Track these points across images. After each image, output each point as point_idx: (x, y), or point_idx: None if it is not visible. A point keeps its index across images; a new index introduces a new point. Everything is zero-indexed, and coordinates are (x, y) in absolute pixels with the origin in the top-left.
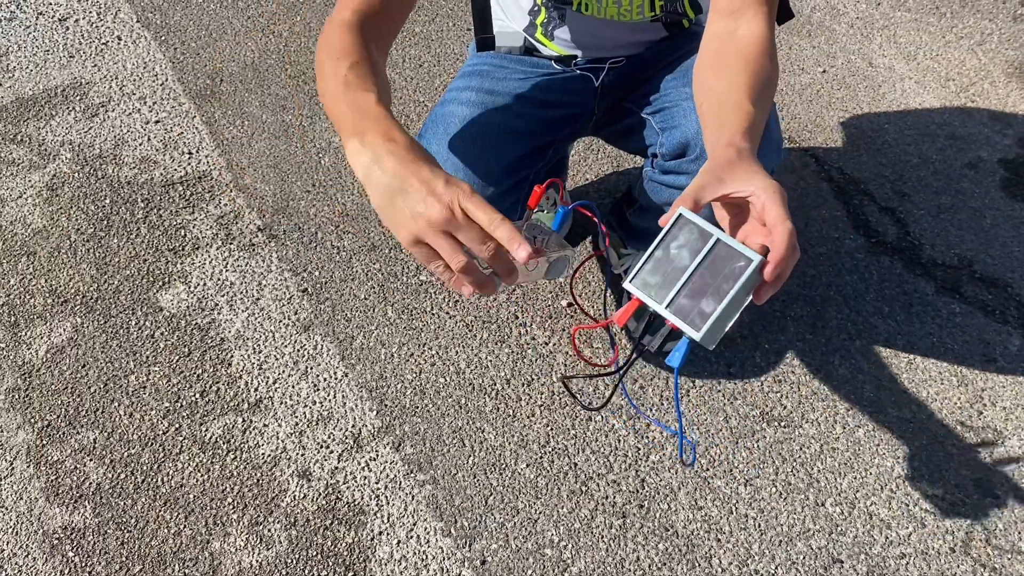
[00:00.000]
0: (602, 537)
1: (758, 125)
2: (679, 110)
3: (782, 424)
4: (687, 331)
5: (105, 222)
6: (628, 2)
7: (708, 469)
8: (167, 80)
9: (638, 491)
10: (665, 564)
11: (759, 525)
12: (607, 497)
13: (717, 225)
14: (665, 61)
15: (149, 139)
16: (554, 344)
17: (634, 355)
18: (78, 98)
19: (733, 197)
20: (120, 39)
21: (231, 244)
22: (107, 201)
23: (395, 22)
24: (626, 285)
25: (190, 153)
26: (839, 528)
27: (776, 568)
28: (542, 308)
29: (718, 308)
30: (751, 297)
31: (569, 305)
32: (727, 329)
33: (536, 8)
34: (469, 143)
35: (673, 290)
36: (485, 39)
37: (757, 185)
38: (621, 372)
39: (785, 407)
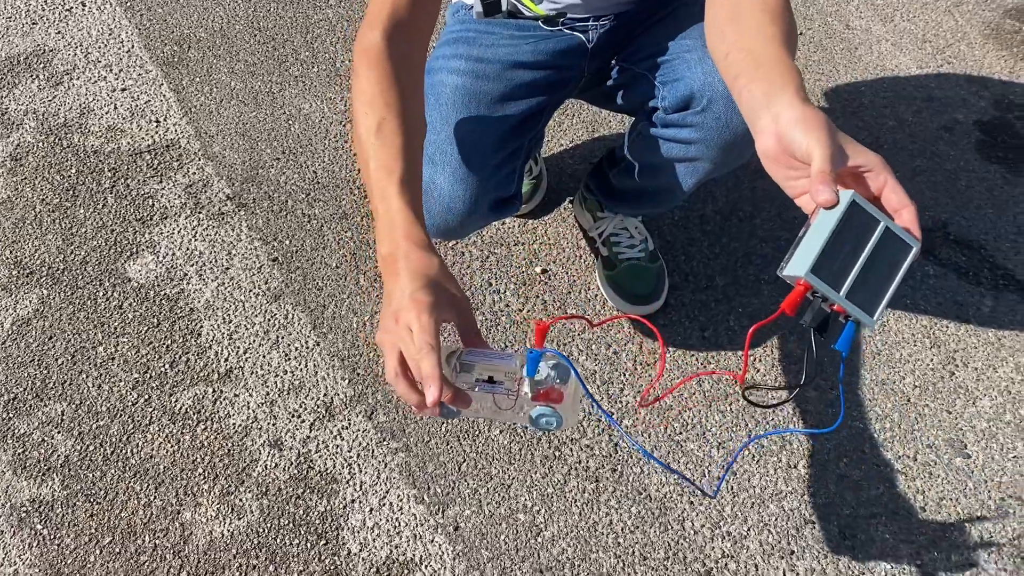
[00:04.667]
0: (575, 501)
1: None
2: (681, 62)
3: (755, 387)
4: (862, 319)
5: (71, 192)
6: None
7: (681, 432)
8: (133, 47)
9: (611, 455)
10: (638, 527)
11: (731, 487)
12: (580, 462)
13: (883, 211)
14: (656, 16)
15: (115, 107)
16: (528, 311)
17: (814, 352)
18: (42, 66)
19: (858, 170)
20: (84, 5)
21: (200, 213)
22: (73, 171)
23: (426, 30)
24: (804, 275)
25: (157, 121)
26: (811, 489)
27: (748, 530)
28: (516, 275)
29: (887, 294)
30: None
31: (543, 272)
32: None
33: None
34: (462, 113)
35: (849, 278)
36: (491, 3)
37: (873, 161)
38: (806, 381)
39: (758, 370)
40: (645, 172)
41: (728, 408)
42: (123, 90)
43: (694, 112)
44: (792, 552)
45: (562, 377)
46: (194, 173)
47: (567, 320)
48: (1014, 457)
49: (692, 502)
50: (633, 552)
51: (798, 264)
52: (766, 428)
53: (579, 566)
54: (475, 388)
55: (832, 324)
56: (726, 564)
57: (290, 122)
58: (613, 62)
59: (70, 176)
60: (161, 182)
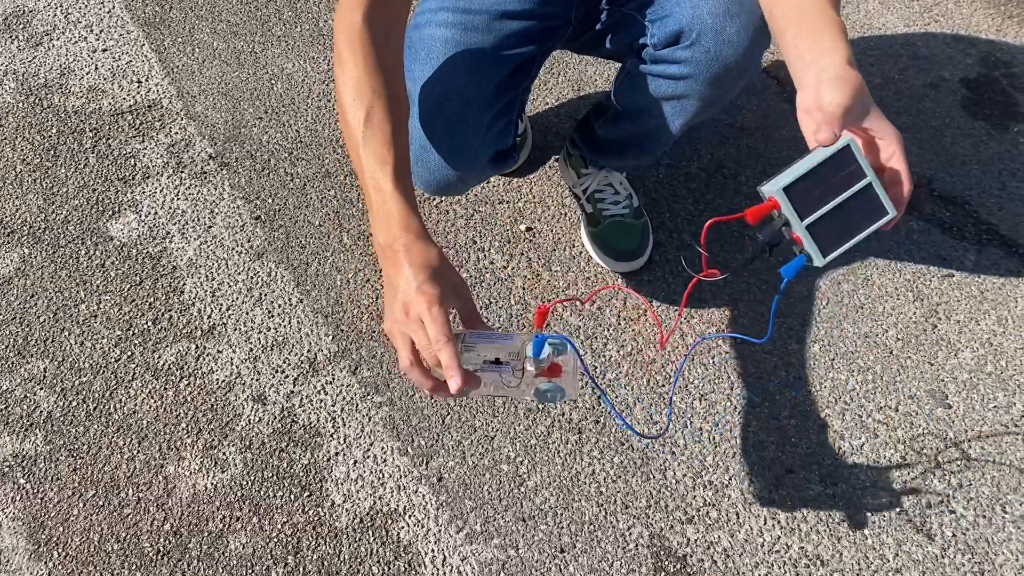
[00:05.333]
0: (558, 452)
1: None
2: (669, 0)
3: (738, 341)
4: (813, 255)
5: (52, 152)
6: None
7: (664, 385)
8: (114, 7)
9: (594, 408)
10: (620, 477)
11: (713, 438)
12: (563, 414)
13: (880, 176)
14: None
15: (96, 68)
16: (512, 268)
17: (755, 257)
18: (21, 27)
19: (868, 132)
20: None
21: (182, 172)
22: (54, 131)
23: (404, 9)
24: (775, 192)
25: (139, 82)
26: (792, 440)
27: (730, 479)
28: (500, 233)
29: (847, 243)
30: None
31: (528, 230)
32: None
33: None
34: (456, 68)
35: (817, 213)
36: None
37: (891, 133)
38: (739, 268)
39: (741, 324)
40: (632, 117)
41: (710, 361)
42: (104, 51)
43: (683, 47)
44: (773, 501)
45: (559, 350)
46: (176, 133)
47: (563, 303)
48: (994, 407)
49: (674, 452)
50: (615, 501)
51: (775, 182)
52: (736, 365)
53: (562, 514)
54: (483, 370)
55: (785, 250)
56: (707, 512)
57: (273, 81)
58: (602, 5)
59: (51, 136)
60: (143, 142)
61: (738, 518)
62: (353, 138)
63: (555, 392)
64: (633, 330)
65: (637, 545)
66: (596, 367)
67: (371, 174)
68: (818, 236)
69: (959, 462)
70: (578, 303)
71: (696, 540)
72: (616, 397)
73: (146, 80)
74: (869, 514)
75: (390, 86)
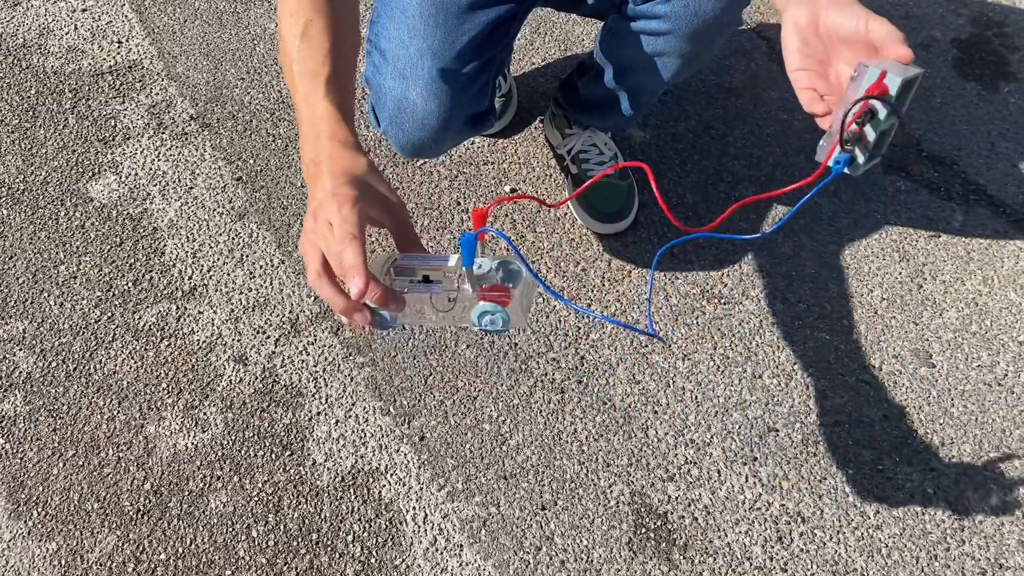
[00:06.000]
0: (540, 412)
1: None
2: None
3: (722, 301)
4: (859, 161)
5: (31, 113)
6: None
7: (647, 345)
8: None
9: (577, 368)
10: (602, 435)
11: (696, 397)
12: (546, 374)
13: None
14: None
15: (76, 28)
16: (496, 229)
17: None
18: None
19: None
20: None
21: (163, 133)
22: (32, 92)
23: None
24: (902, 79)
25: (119, 42)
26: (775, 399)
27: (712, 437)
28: (484, 194)
29: (875, 159)
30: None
31: (512, 191)
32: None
33: None
34: (431, 25)
35: (887, 123)
36: None
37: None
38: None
39: (726, 285)
40: (615, 74)
41: (694, 321)
42: (83, 10)
43: (662, 1)
44: (755, 459)
45: (510, 277)
46: (157, 94)
47: (511, 200)
48: (978, 366)
49: (656, 411)
50: (597, 459)
51: (896, 69)
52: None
53: (543, 472)
54: (407, 290)
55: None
56: (689, 471)
57: (255, 42)
58: None
59: (29, 97)
60: (123, 103)
61: (719, 476)
62: (288, 55)
63: (495, 317)
64: (617, 291)
65: (618, 503)
66: (581, 327)
67: (302, 87)
68: (878, 139)
69: (941, 420)
70: (542, 203)
71: (677, 497)
72: (599, 357)
73: (126, 40)
74: (851, 472)
75: (336, 11)
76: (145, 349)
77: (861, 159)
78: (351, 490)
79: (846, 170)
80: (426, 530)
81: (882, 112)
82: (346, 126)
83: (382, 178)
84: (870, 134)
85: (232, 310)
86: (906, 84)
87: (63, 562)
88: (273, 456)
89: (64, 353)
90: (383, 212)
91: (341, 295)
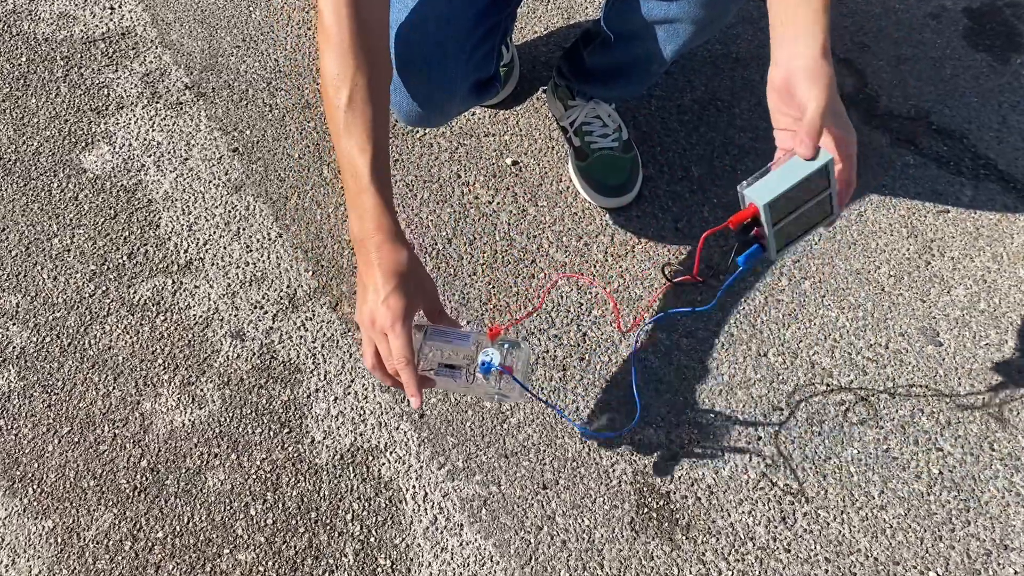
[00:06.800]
0: (542, 389)
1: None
2: None
3: (726, 277)
4: (770, 252)
5: (22, 81)
6: None
7: (650, 323)
8: None
9: (579, 344)
10: (604, 414)
11: (699, 375)
12: (548, 351)
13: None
14: None
15: None
16: (498, 203)
17: (734, 251)
18: None
19: (834, 133)
20: None
21: (157, 103)
22: (23, 59)
23: None
24: (762, 205)
25: (112, 8)
26: (780, 377)
27: (715, 416)
28: (485, 167)
29: (796, 242)
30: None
31: (514, 164)
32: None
33: None
34: None
35: (785, 221)
36: None
37: (852, 135)
38: (713, 274)
39: (731, 260)
40: (622, 43)
41: (697, 300)
42: None
43: None
44: (759, 438)
45: (511, 351)
46: (151, 62)
47: (519, 322)
48: (986, 345)
49: (658, 390)
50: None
51: (762, 193)
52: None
53: (544, 451)
54: (438, 373)
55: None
56: (692, 450)
57: (251, 9)
58: None
59: (20, 65)
60: (116, 71)
61: (723, 455)
62: (335, 118)
63: (503, 398)
64: (620, 267)
65: (620, 482)
66: (582, 303)
67: (349, 160)
68: (779, 236)
69: (948, 400)
70: (535, 313)
71: (680, 477)
72: (602, 334)
73: (119, 6)
74: (856, 451)
75: (374, 57)
76: (140, 324)
77: (774, 253)
78: (350, 468)
79: (768, 257)
80: (426, 509)
81: (764, 219)
82: (390, 215)
83: (420, 264)
84: (768, 234)
85: (229, 284)
86: (774, 203)
87: (59, 540)
88: (271, 433)
89: (58, 328)
90: (421, 300)
91: (389, 378)
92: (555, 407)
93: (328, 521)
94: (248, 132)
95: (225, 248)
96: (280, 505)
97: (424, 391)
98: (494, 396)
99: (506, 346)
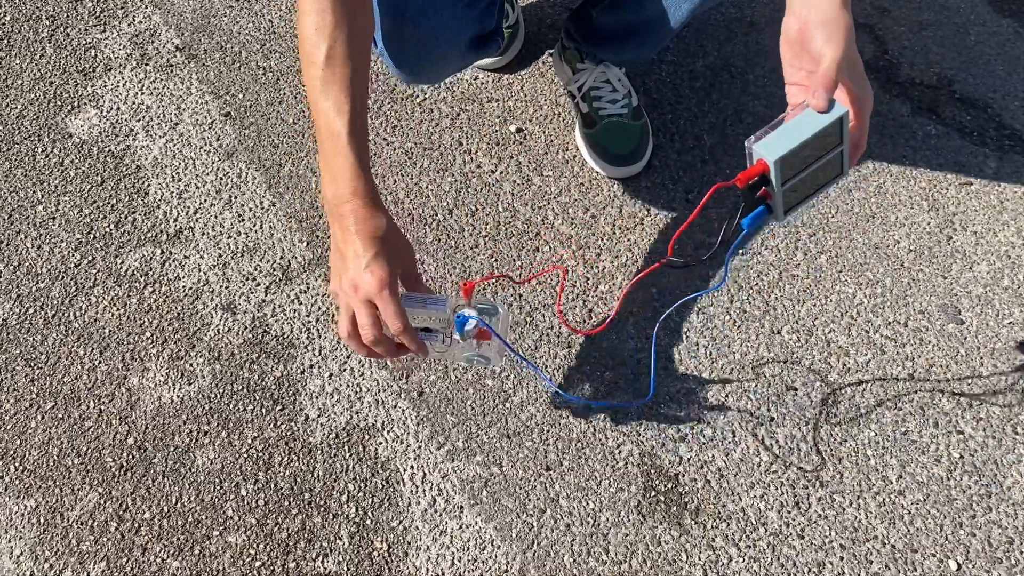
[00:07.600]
0: (546, 367)
1: None
2: None
3: (739, 251)
4: (776, 213)
5: (5, 41)
6: None
7: (659, 299)
8: None
9: (586, 321)
10: (611, 392)
11: (710, 354)
12: (552, 328)
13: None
14: None
15: None
16: (501, 172)
17: (736, 221)
18: None
19: (850, 90)
20: None
21: (146, 65)
22: (7, 18)
23: None
24: (772, 161)
25: None
26: (795, 356)
27: (727, 396)
28: (488, 134)
29: (806, 204)
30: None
31: (518, 131)
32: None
33: None
34: None
35: (796, 179)
36: None
37: (868, 93)
38: (720, 246)
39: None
40: (633, 1)
41: (708, 273)
42: None
43: None
44: (772, 419)
45: (490, 313)
46: (140, 22)
47: (492, 279)
48: (1009, 323)
49: (667, 368)
50: (604, 417)
51: (773, 148)
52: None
53: (548, 431)
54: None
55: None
56: (702, 431)
57: None
58: None
59: (4, 24)
60: (104, 31)
61: (734, 436)
62: (312, 75)
63: (480, 361)
64: (629, 240)
65: (627, 463)
66: (590, 276)
67: (327, 121)
68: (787, 197)
69: (969, 381)
70: (511, 280)
71: (689, 459)
72: (609, 309)
73: None
74: (873, 434)
75: (354, 8)
76: (128, 296)
77: (780, 214)
78: (346, 447)
79: (774, 220)
80: (425, 490)
81: (774, 176)
82: (367, 179)
83: (397, 228)
84: (777, 194)
85: (220, 255)
86: (785, 159)
87: (42, 520)
88: (263, 411)
89: (42, 299)
90: (400, 265)
91: (364, 347)
92: (535, 367)
93: (322, 502)
94: (241, 96)
95: (216, 217)
96: (272, 485)
97: (405, 361)
98: (473, 359)
99: (485, 308)
